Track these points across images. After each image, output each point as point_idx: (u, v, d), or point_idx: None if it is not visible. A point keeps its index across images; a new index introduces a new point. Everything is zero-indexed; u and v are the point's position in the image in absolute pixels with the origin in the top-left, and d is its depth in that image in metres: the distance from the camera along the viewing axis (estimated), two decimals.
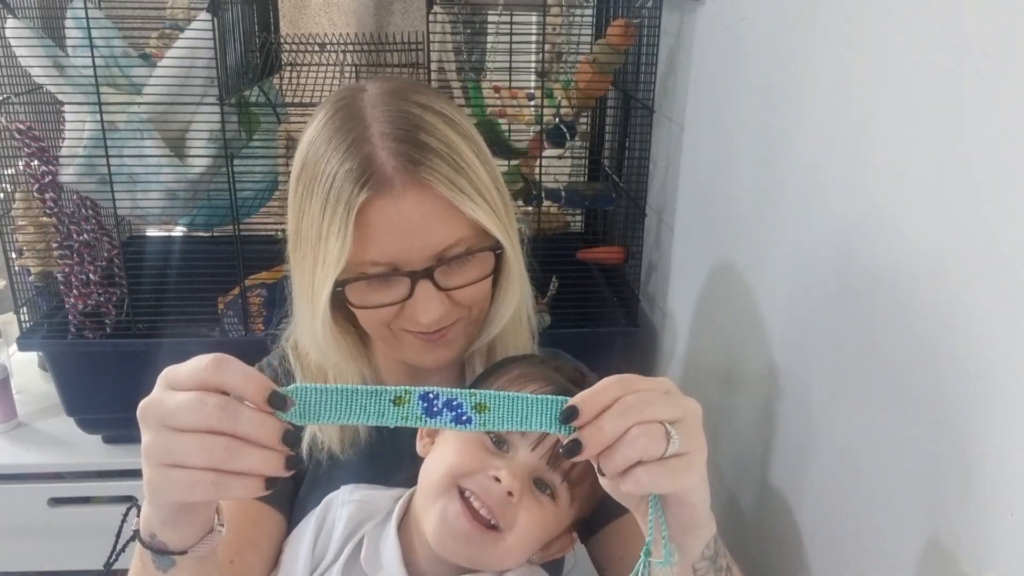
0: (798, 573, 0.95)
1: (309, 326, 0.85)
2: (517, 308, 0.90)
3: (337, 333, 0.86)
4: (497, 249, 0.82)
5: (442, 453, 0.78)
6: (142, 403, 0.59)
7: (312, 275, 0.81)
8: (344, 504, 0.84)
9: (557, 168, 1.63)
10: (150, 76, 1.37)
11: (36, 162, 1.36)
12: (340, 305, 0.84)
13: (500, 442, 0.76)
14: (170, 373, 0.60)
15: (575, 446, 0.57)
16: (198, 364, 0.59)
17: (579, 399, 0.57)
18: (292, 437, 0.56)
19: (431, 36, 1.48)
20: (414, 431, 0.85)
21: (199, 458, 0.55)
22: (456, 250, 0.80)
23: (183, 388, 0.58)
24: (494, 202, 0.81)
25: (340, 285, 0.79)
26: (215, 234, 1.68)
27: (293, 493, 0.90)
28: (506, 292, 0.87)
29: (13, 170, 1.46)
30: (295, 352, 0.93)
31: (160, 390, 0.60)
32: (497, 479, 0.73)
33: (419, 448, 0.84)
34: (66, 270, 1.39)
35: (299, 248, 0.83)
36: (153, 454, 0.57)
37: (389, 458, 0.90)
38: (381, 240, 0.77)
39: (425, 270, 0.79)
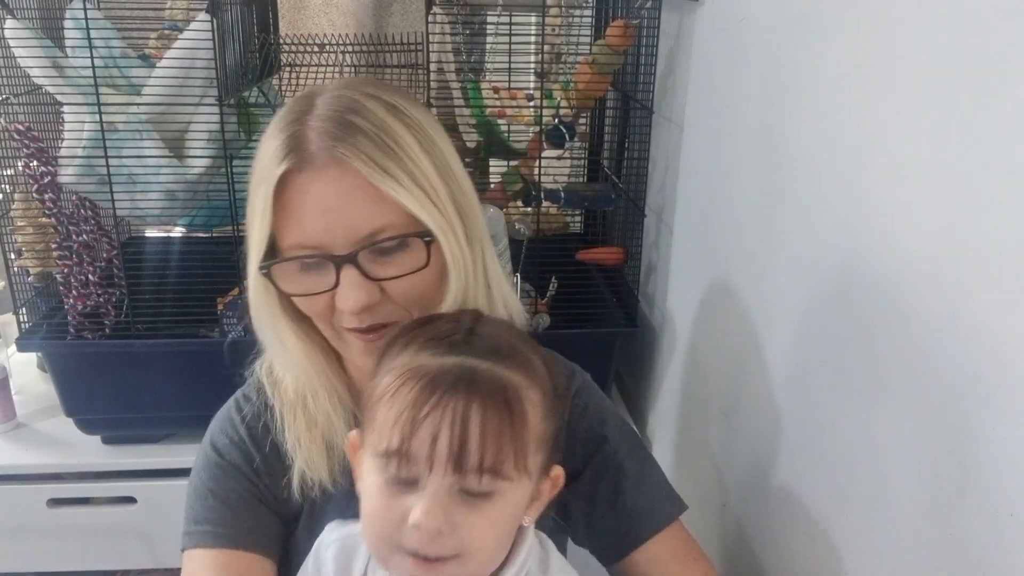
0: (797, 573, 0.95)
1: (272, 334, 0.83)
2: (472, 297, 0.83)
3: (303, 340, 0.83)
4: (427, 236, 0.77)
5: (364, 510, 0.70)
6: None
7: (249, 269, 0.79)
8: (328, 546, 0.81)
9: (556, 169, 1.63)
10: (149, 77, 1.36)
11: (35, 163, 1.35)
12: (301, 314, 0.82)
13: (408, 481, 0.66)
14: None
15: None
16: None
17: None
18: None
19: (430, 37, 1.48)
20: None
21: None
22: (384, 235, 0.76)
23: None
24: (431, 190, 0.76)
25: (265, 267, 0.77)
26: (214, 235, 1.68)
27: (282, 535, 0.88)
28: (448, 291, 0.81)
29: (12, 171, 1.46)
30: (270, 380, 0.89)
31: None
32: (417, 526, 0.65)
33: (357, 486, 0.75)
34: (65, 271, 1.39)
35: (248, 249, 0.81)
36: None
37: None
38: (304, 220, 0.75)
39: (349, 255, 0.75)
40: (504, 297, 0.87)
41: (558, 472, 0.75)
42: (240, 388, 0.93)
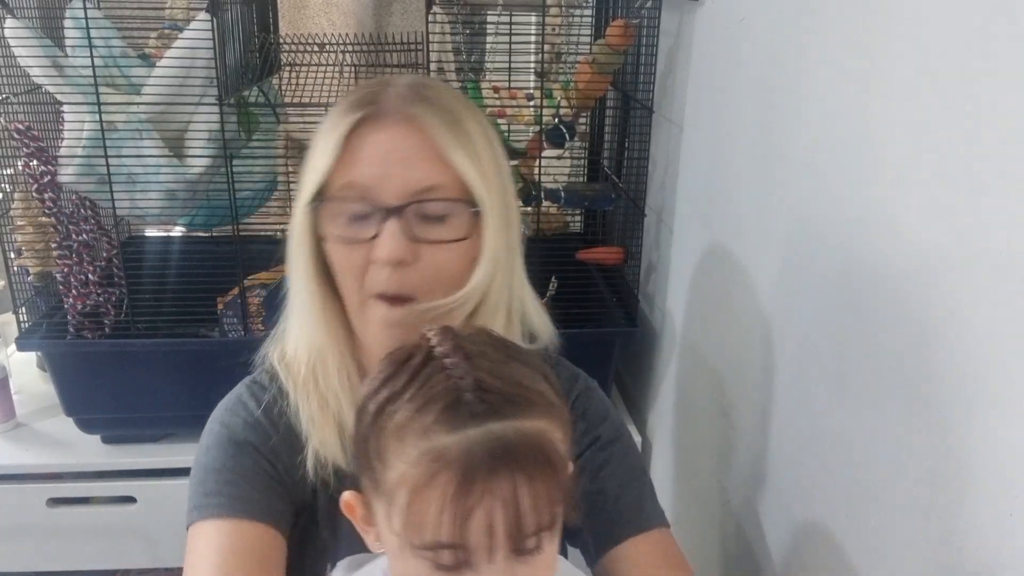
0: (797, 573, 0.95)
1: (300, 286, 0.85)
2: (493, 299, 0.85)
3: (326, 307, 0.85)
4: (475, 208, 0.80)
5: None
6: None
7: (297, 211, 0.82)
8: None
9: (556, 168, 1.63)
10: (149, 76, 1.36)
11: (35, 162, 1.35)
12: (329, 286, 0.84)
13: (457, 566, 0.61)
14: None
15: None
16: None
17: None
18: None
19: (430, 36, 1.48)
20: None
21: None
22: (434, 195, 0.79)
23: None
24: (485, 171, 0.81)
25: (316, 202, 0.80)
26: (214, 234, 1.68)
27: (291, 523, 0.87)
28: (478, 269, 0.83)
29: (12, 170, 1.46)
30: (283, 364, 0.89)
31: None
32: None
33: (368, 542, 0.72)
34: (65, 270, 1.39)
35: (297, 201, 0.84)
36: None
37: None
38: (363, 163, 0.79)
39: (397, 207, 0.79)
40: (523, 307, 0.89)
41: (573, 471, 0.72)
42: (246, 378, 0.93)
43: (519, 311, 0.89)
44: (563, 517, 0.65)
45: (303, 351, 0.88)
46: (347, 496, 0.70)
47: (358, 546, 0.75)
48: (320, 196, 0.81)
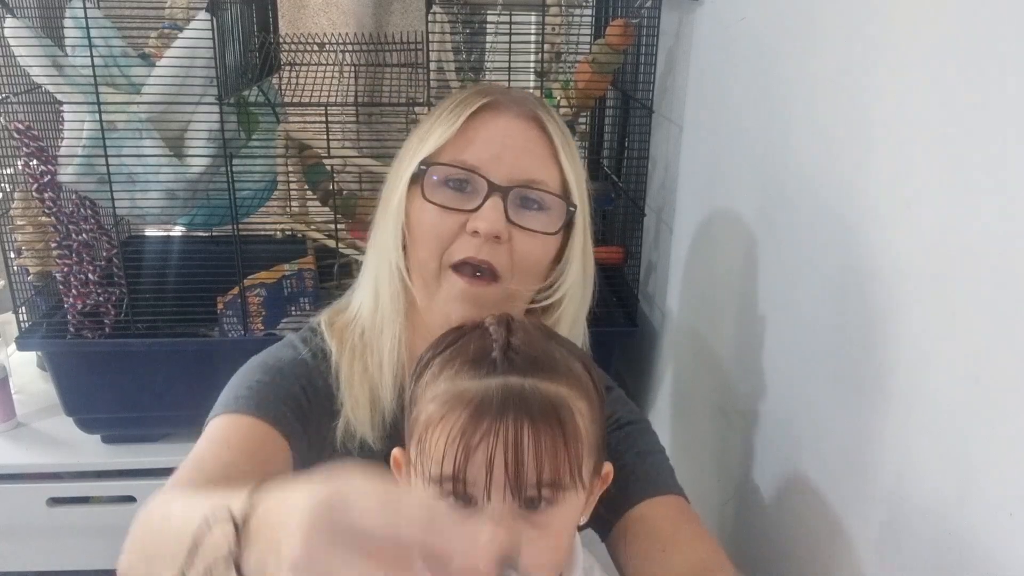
0: (796, 572, 0.95)
1: (383, 246, 0.89)
2: (574, 308, 0.92)
3: (400, 273, 0.89)
4: (573, 208, 0.87)
5: None
6: (294, 560, 0.43)
7: (397, 178, 0.88)
8: None
9: None
10: (149, 76, 1.36)
11: (35, 162, 1.35)
12: (403, 252, 0.88)
13: (467, 503, 0.65)
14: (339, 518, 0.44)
15: None
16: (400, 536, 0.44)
17: None
18: None
19: (430, 36, 1.48)
20: None
21: None
22: (540, 188, 0.85)
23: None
24: (582, 184, 0.89)
25: (427, 163, 0.85)
26: (214, 234, 1.68)
27: (306, 449, 0.85)
28: (562, 271, 0.90)
29: (12, 170, 1.46)
30: (332, 329, 0.92)
31: (321, 547, 0.43)
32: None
33: None
34: (65, 270, 1.39)
35: (393, 169, 0.90)
36: None
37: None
38: (479, 143, 0.85)
39: (505, 187, 0.83)
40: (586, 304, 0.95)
41: (608, 469, 0.76)
42: (292, 335, 0.95)
43: (581, 323, 0.95)
44: (578, 495, 0.68)
45: (364, 317, 0.92)
46: (395, 452, 0.75)
47: None
48: (428, 162, 0.85)
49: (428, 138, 0.86)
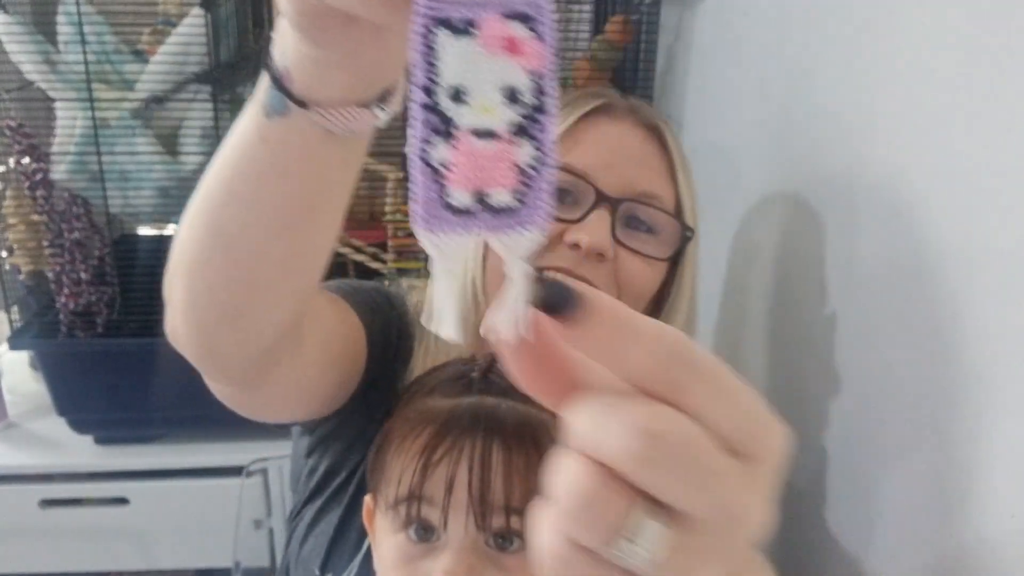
0: (796, 571, 0.95)
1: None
2: None
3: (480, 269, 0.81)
4: (689, 232, 0.79)
5: None
6: None
7: None
8: None
9: None
10: (142, 72, 1.36)
11: (27, 159, 1.34)
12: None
13: (427, 531, 0.58)
14: None
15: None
16: None
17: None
18: None
19: None
20: None
21: None
22: (653, 205, 0.77)
23: None
24: (695, 207, 0.81)
25: None
26: None
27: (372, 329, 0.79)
28: (671, 308, 0.81)
29: (4, 167, 1.44)
30: (418, 305, 0.85)
31: None
32: None
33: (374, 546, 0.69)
34: (57, 269, 1.38)
35: None
36: None
37: None
38: (589, 148, 0.76)
39: (615, 199, 0.75)
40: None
41: None
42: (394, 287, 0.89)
43: None
44: None
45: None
46: (367, 498, 0.68)
47: None
48: None
49: None
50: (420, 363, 0.82)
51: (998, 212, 0.62)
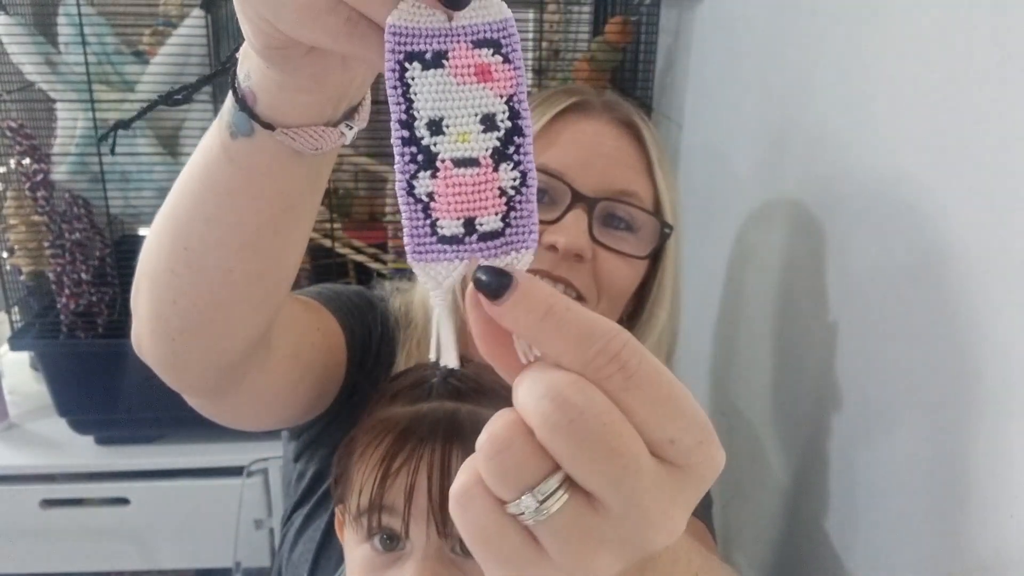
0: (797, 573, 0.95)
1: None
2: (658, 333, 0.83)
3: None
4: (668, 229, 0.78)
5: None
6: None
7: None
8: None
9: None
10: (143, 73, 1.36)
11: (27, 160, 1.35)
12: None
13: (391, 540, 0.58)
14: None
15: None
16: None
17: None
18: None
19: None
20: None
21: None
22: (631, 203, 0.76)
23: None
24: (677, 203, 0.80)
25: None
26: None
27: (358, 348, 0.80)
28: (653, 305, 0.81)
29: (4, 168, 1.44)
30: (403, 312, 0.85)
31: None
32: None
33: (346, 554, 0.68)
34: (58, 269, 1.38)
35: None
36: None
37: None
38: (564, 148, 0.76)
39: (591, 198, 0.74)
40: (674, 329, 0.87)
41: None
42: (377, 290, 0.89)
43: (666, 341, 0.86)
44: None
45: (422, 328, 0.84)
46: (337, 509, 0.67)
47: None
48: None
49: None
50: (402, 367, 0.82)
51: (999, 214, 0.62)
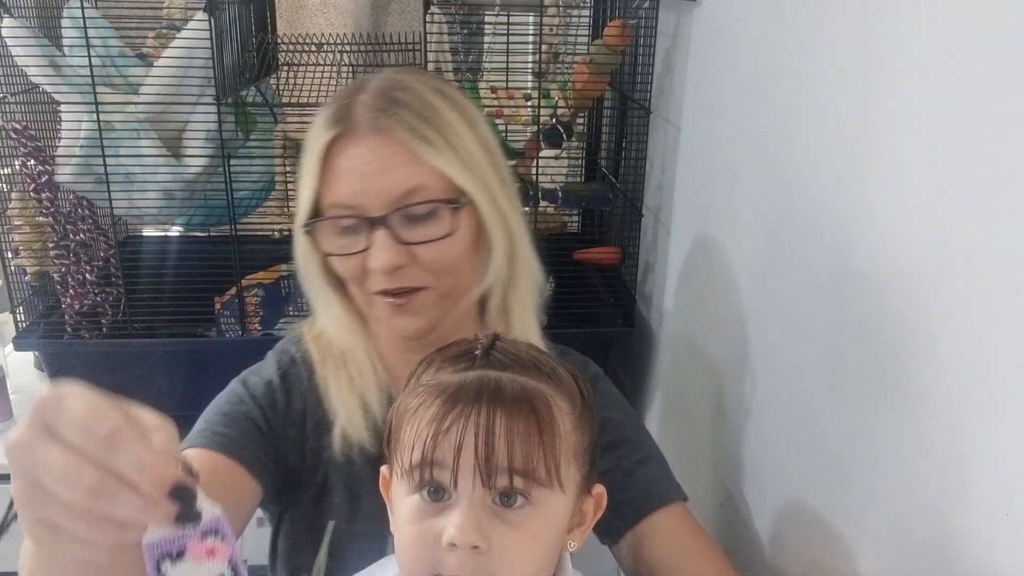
0: (794, 573, 0.95)
1: (316, 293, 0.89)
2: (510, 283, 0.90)
3: (342, 307, 0.89)
4: (455, 203, 0.82)
5: (398, 539, 0.68)
6: (11, 440, 0.48)
7: (297, 235, 0.86)
8: None
9: (554, 169, 1.63)
10: (147, 76, 1.37)
11: (32, 162, 1.35)
12: (338, 283, 0.88)
13: (437, 492, 0.64)
14: (51, 412, 0.47)
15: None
16: (90, 429, 0.47)
17: None
18: (184, 493, 0.49)
19: (428, 36, 1.48)
20: None
21: (76, 528, 0.48)
22: (416, 198, 0.81)
23: (63, 442, 0.47)
24: (469, 158, 0.83)
25: (308, 226, 0.83)
26: (211, 234, 1.68)
27: (275, 474, 0.88)
28: (493, 255, 0.87)
29: (9, 170, 1.46)
30: (314, 336, 0.94)
31: (33, 432, 0.47)
32: (453, 544, 0.61)
33: (390, 514, 0.73)
34: (62, 270, 1.39)
35: (296, 213, 0.87)
36: (25, 506, 0.50)
37: None
38: (343, 182, 0.81)
39: (381, 217, 0.81)
40: (536, 278, 0.93)
41: (600, 490, 0.73)
42: (278, 344, 0.97)
43: (530, 309, 0.93)
44: (557, 498, 0.65)
45: (333, 335, 0.92)
46: (383, 468, 0.73)
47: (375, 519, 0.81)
48: (313, 216, 0.83)
49: (302, 189, 0.84)
50: (337, 398, 0.90)
51: (998, 214, 0.62)
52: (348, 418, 0.88)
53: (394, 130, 0.80)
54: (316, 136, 0.83)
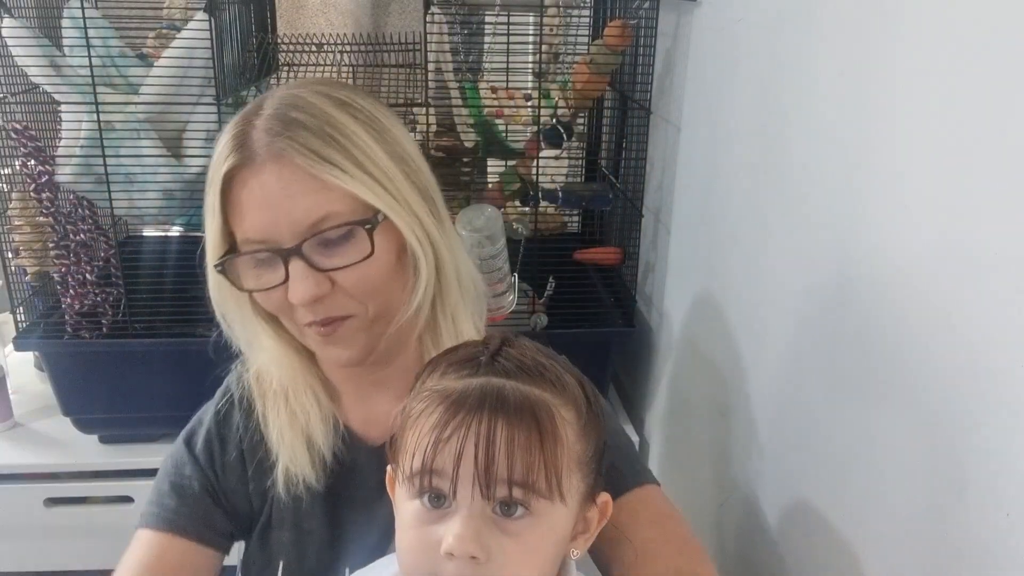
0: (793, 572, 0.95)
1: (242, 332, 0.85)
2: (437, 295, 0.85)
3: (276, 338, 0.86)
4: (369, 224, 0.77)
5: (398, 543, 0.68)
6: None
7: (211, 274, 0.82)
8: None
9: (554, 169, 1.63)
10: (147, 76, 1.36)
11: (32, 162, 1.35)
12: (269, 315, 0.83)
13: (437, 499, 0.64)
14: None
15: None
16: None
17: None
18: None
19: (428, 37, 1.48)
20: (370, 455, 0.88)
21: None
22: (328, 224, 0.76)
23: None
24: (381, 174, 0.77)
25: (220, 264, 0.78)
26: None
27: (232, 530, 0.90)
28: (420, 274, 0.81)
29: (9, 170, 1.45)
30: (253, 374, 0.90)
31: None
32: (451, 554, 0.61)
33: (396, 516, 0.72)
34: (62, 270, 1.39)
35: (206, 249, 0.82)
36: None
37: (349, 484, 0.89)
38: (249, 215, 0.76)
39: (294, 248, 0.76)
40: (474, 283, 0.88)
41: (605, 499, 0.71)
42: (224, 383, 0.94)
43: (472, 283, 0.88)
44: (558, 509, 0.64)
45: (272, 371, 0.88)
46: (389, 469, 0.72)
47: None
48: (226, 254, 0.79)
49: (208, 230, 0.79)
50: (278, 436, 0.88)
51: (998, 214, 0.63)
52: (291, 457, 0.86)
53: (292, 155, 0.74)
54: (214, 167, 0.77)
